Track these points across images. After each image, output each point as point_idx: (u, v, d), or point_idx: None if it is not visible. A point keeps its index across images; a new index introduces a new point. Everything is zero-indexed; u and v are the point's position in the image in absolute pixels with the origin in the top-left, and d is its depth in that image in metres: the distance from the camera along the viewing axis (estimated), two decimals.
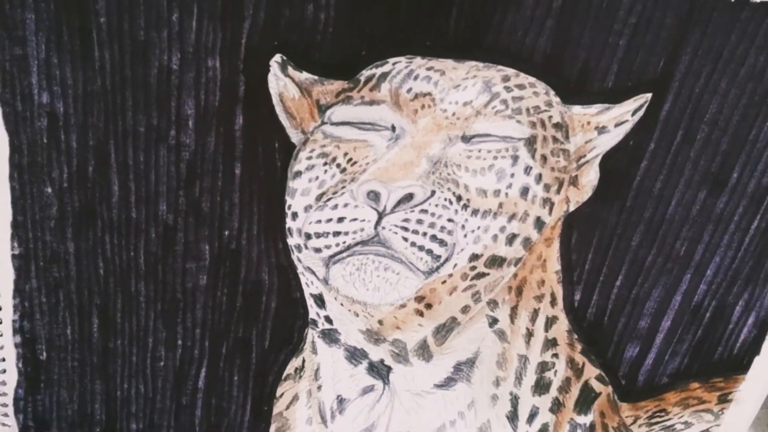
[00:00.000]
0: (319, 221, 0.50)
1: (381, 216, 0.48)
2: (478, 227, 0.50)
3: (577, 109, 0.50)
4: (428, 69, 0.49)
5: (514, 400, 0.57)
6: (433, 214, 0.49)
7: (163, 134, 0.49)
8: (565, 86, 0.49)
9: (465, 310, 0.53)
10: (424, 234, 0.49)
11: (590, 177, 0.52)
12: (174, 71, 0.48)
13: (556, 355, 0.57)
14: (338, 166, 0.50)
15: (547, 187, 0.51)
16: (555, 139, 0.50)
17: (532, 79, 0.49)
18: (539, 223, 0.51)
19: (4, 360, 0.57)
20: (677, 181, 0.52)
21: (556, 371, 0.57)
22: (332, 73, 0.49)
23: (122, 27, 0.46)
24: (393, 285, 0.50)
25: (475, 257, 0.51)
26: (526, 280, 0.54)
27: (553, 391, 0.58)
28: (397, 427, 0.58)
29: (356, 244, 0.49)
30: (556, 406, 0.58)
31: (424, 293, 0.51)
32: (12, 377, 0.57)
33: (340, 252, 0.49)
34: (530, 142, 0.50)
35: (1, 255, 0.53)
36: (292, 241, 0.52)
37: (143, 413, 0.59)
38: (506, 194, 0.50)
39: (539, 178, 0.50)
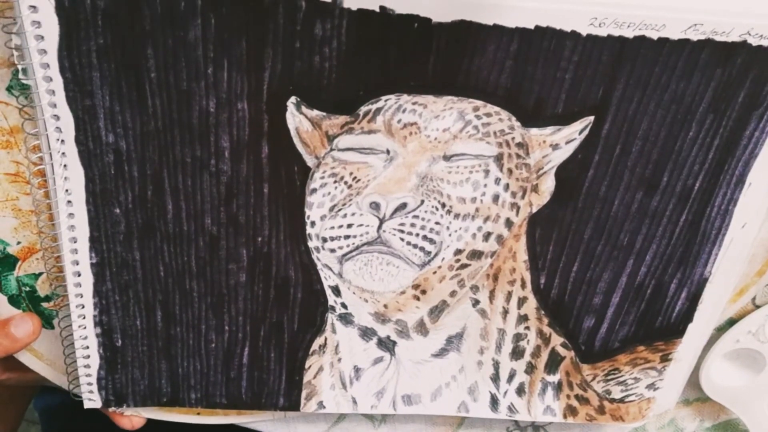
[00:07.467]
0: (333, 227, 0.54)
1: (381, 222, 0.52)
2: (460, 228, 0.54)
3: (534, 130, 0.52)
4: (413, 103, 0.51)
5: (496, 365, 0.61)
6: (423, 219, 0.53)
7: (205, 163, 0.51)
8: (524, 113, 0.51)
9: (453, 294, 0.57)
10: (417, 235, 0.53)
11: (548, 184, 0.54)
12: (211, 113, 0.50)
13: (527, 328, 0.60)
14: (345, 183, 0.53)
15: (513, 194, 0.54)
16: (518, 156, 0.53)
17: (497, 108, 0.51)
18: (509, 223, 0.55)
19: (88, 347, 0.58)
20: (618, 185, 0.54)
21: (528, 340, 0.61)
22: (337, 110, 0.51)
23: (169, 80, 0.48)
24: (394, 276, 0.55)
25: (458, 252, 0.55)
26: (501, 268, 0.57)
27: (527, 357, 0.61)
28: (403, 390, 0.62)
29: (363, 244, 0.53)
30: (530, 369, 0.62)
31: (419, 282, 0.56)
32: (95, 361, 0.59)
33: (351, 251, 0.54)
34: (498, 158, 0.53)
35: (82, 264, 0.54)
36: (311, 244, 0.55)
37: (200, 385, 0.61)
38: (481, 201, 0.53)
39: (507, 187, 0.54)
